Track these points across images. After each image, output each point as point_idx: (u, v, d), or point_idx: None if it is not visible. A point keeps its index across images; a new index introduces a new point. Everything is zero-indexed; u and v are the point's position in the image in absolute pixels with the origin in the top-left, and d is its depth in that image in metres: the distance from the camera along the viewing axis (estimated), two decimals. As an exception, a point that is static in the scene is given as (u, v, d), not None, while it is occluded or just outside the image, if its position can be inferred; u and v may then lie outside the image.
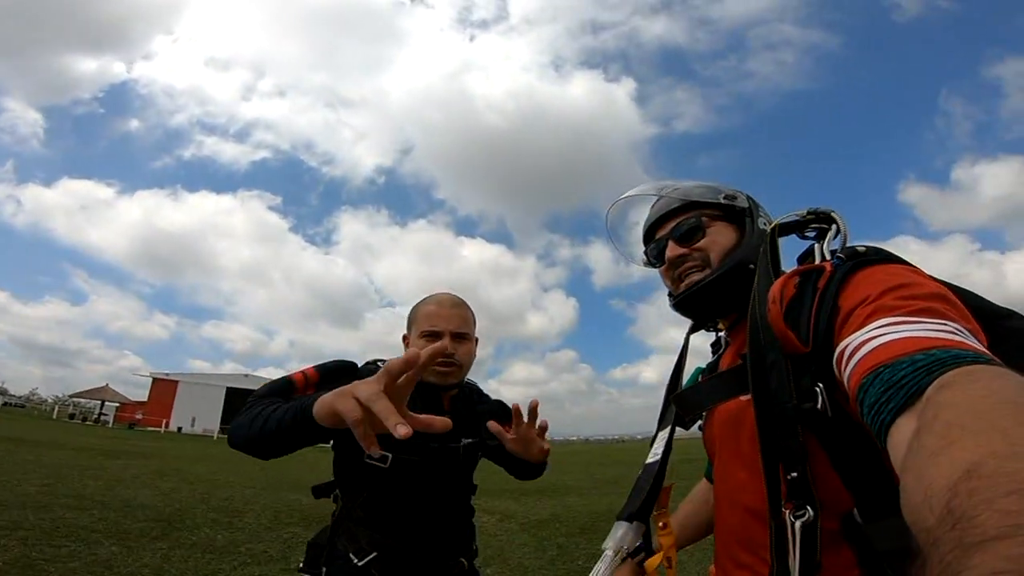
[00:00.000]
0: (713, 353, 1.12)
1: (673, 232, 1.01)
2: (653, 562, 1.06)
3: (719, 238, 0.98)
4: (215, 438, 38.51)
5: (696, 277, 0.97)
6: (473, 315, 1.58)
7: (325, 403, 0.92)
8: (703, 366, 1.12)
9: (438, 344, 0.89)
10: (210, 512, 6.58)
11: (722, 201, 1.00)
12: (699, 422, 1.07)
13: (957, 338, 0.54)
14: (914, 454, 0.39)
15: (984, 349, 0.53)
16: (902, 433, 0.48)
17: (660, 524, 1.08)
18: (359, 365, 1.48)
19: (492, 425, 1.29)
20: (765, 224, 1.00)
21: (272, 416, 1.12)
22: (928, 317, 0.56)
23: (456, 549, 1.52)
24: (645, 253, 1.11)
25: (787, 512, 0.69)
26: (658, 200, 1.08)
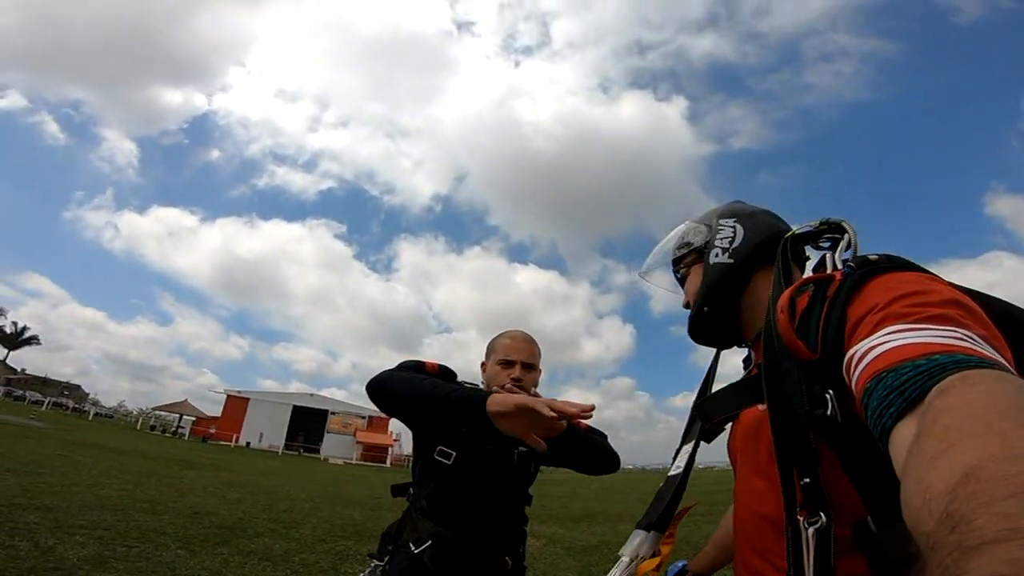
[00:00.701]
0: (744, 368, 1.13)
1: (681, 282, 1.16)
2: (647, 565, 1.08)
3: (691, 285, 1.08)
4: (280, 453, 40.08)
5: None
6: (540, 350, 1.87)
7: (507, 400, 1.25)
8: (735, 382, 1.14)
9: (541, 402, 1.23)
10: (270, 522, 6.85)
11: (676, 255, 1.14)
12: (726, 435, 1.07)
13: (964, 344, 0.53)
14: (913, 458, 0.39)
15: (993, 354, 0.52)
16: (903, 437, 0.48)
17: (666, 533, 1.09)
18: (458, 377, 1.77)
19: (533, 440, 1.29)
20: (720, 253, 1.03)
21: (434, 387, 1.40)
22: (937, 324, 0.56)
23: (504, 548, 1.66)
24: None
25: (801, 519, 0.69)
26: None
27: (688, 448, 1.10)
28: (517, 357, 1.78)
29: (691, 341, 1.14)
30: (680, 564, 1.30)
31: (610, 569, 1.01)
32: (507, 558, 1.68)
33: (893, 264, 0.72)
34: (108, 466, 10.95)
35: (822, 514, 0.67)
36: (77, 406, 57.02)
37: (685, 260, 1.11)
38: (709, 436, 1.09)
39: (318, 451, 49.74)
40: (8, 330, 68.99)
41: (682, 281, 1.13)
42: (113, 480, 8.72)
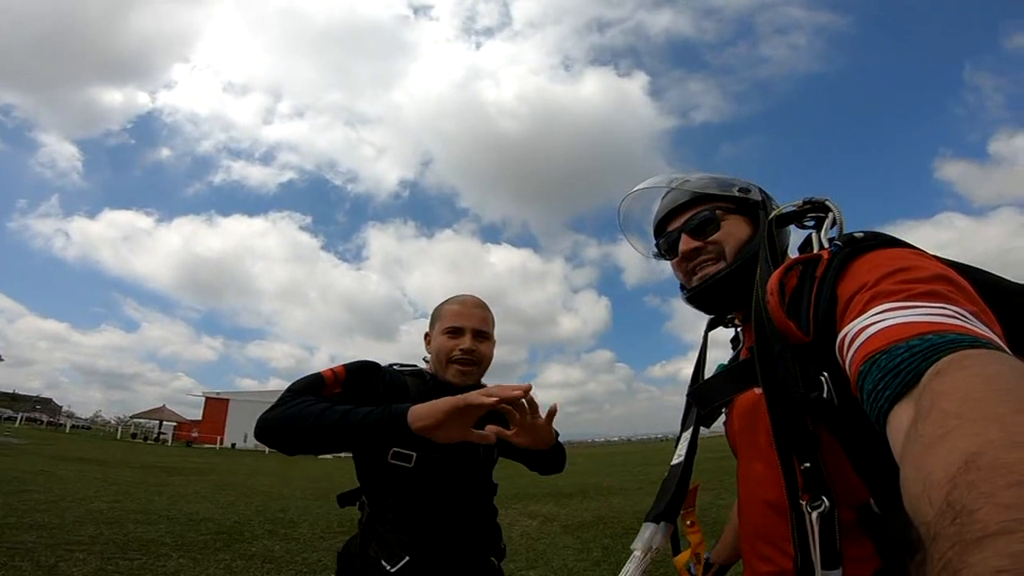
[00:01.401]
0: (733, 348, 1.12)
1: (686, 225, 1.00)
2: (681, 559, 1.10)
3: (733, 231, 0.97)
4: (267, 453, 39.69)
5: (710, 270, 0.97)
6: (493, 317, 1.63)
7: (433, 409, 1.11)
8: (725, 363, 1.10)
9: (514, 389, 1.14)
10: (267, 524, 6.86)
11: (735, 194, 0.99)
12: (723, 419, 1.05)
13: (956, 322, 0.52)
14: (911, 444, 0.39)
15: (985, 331, 0.52)
16: (899, 421, 0.47)
17: (688, 523, 1.10)
18: (382, 368, 1.54)
19: (491, 429, 1.22)
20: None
21: (335, 415, 1.19)
22: (928, 301, 0.55)
23: (486, 548, 1.54)
24: (656, 246, 1.10)
25: (804, 503, 0.69)
26: (668, 192, 1.07)
27: (688, 435, 1.07)
28: (467, 324, 1.53)
29: (663, 310, 1.10)
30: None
31: (624, 563, 0.97)
32: (492, 559, 1.54)
33: (879, 241, 0.70)
34: (94, 478, 10.78)
35: (824, 498, 0.67)
36: (52, 420, 55.56)
37: (727, 203, 1.00)
38: (708, 421, 1.07)
39: (305, 447, 49.44)
40: (-31, 347, 66.42)
41: (704, 224, 0.98)
42: (102, 493, 8.60)
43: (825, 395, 0.67)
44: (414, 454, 1.42)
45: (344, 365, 1.48)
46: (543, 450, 1.48)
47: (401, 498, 1.44)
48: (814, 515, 0.67)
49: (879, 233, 0.72)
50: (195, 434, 48.11)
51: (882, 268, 0.63)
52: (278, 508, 8.43)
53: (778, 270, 0.75)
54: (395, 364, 1.63)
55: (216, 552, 5.12)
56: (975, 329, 0.51)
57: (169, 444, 43.19)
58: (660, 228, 1.08)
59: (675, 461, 1.08)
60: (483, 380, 1.60)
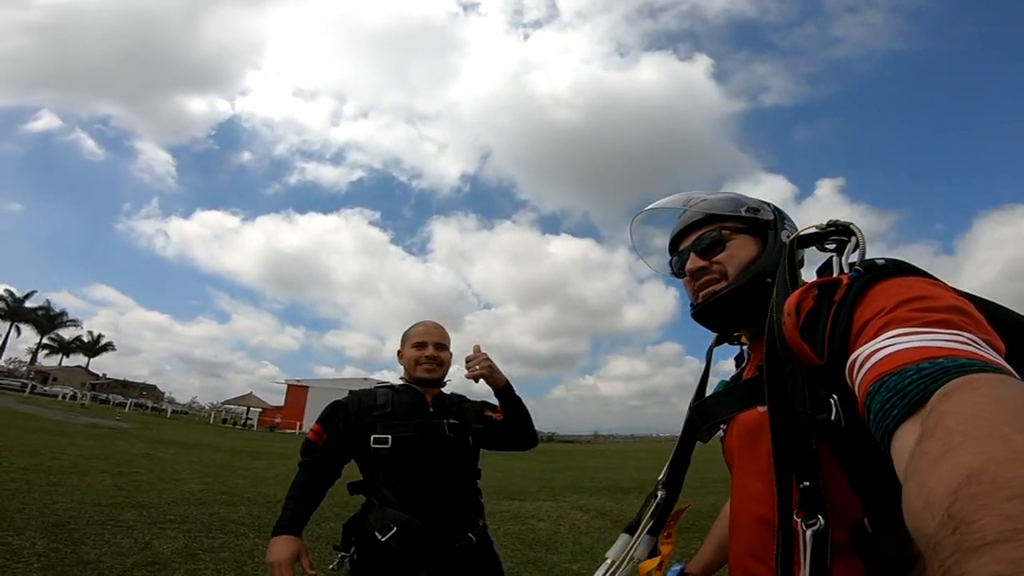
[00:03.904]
0: (736, 366, 1.13)
1: (695, 244, 1.03)
2: (647, 565, 1.12)
3: (738, 251, 0.99)
4: (342, 438, 41.65)
5: (714, 288, 0.99)
6: (448, 335, 2.20)
7: (274, 545, 1.85)
8: (727, 380, 1.13)
9: None
10: (336, 507, 7.19)
11: (743, 214, 1.02)
12: (720, 435, 1.06)
13: (967, 348, 0.54)
14: (916, 460, 0.40)
15: (996, 358, 0.53)
16: (905, 440, 0.48)
17: (665, 533, 1.13)
18: (340, 400, 2.07)
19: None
20: (788, 236, 0.99)
21: (286, 499, 1.94)
22: (941, 328, 0.57)
23: (464, 525, 1.87)
24: (670, 263, 1.13)
25: (799, 521, 0.69)
26: (683, 212, 1.10)
27: (679, 449, 1.11)
28: (429, 339, 2.10)
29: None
30: (677, 568, 1.26)
31: (683, 559, 1.03)
32: (470, 535, 1.85)
33: (899, 269, 0.72)
34: (188, 461, 11.78)
35: (820, 517, 0.67)
36: (155, 405, 60.25)
37: (736, 223, 1.02)
38: (706, 436, 1.07)
39: (376, 432, 51.25)
40: (86, 339, 74.07)
41: (712, 244, 1.01)
42: (194, 475, 9.37)
43: (833, 417, 0.68)
44: (390, 436, 1.89)
45: (317, 420, 2.05)
46: (507, 421, 2.05)
47: (389, 477, 1.85)
48: (808, 533, 0.67)
49: (900, 261, 0.73)
50: (278, 420, 51.11)
51: (899, 295, 0.65)
52: (343, 492, 8.89)
53: (796, 292, 0.76)
54: (377, 384, 2.19)
55: (287, 534, 5.55)
56: (986, 355, 0.53)
57: (255, 429, 46.30)
58: (673, 246, 1.11)
59: (662, 477, 1.12)
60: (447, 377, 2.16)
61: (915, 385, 0.50)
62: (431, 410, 2.03)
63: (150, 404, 59.59)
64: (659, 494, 1.12)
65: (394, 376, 2.17)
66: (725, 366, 1.17)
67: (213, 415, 58.63)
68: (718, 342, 1.15)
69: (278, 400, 58.10)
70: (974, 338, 0.56)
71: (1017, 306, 0.70)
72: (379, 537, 1.75)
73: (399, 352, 2.18)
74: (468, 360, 1.99)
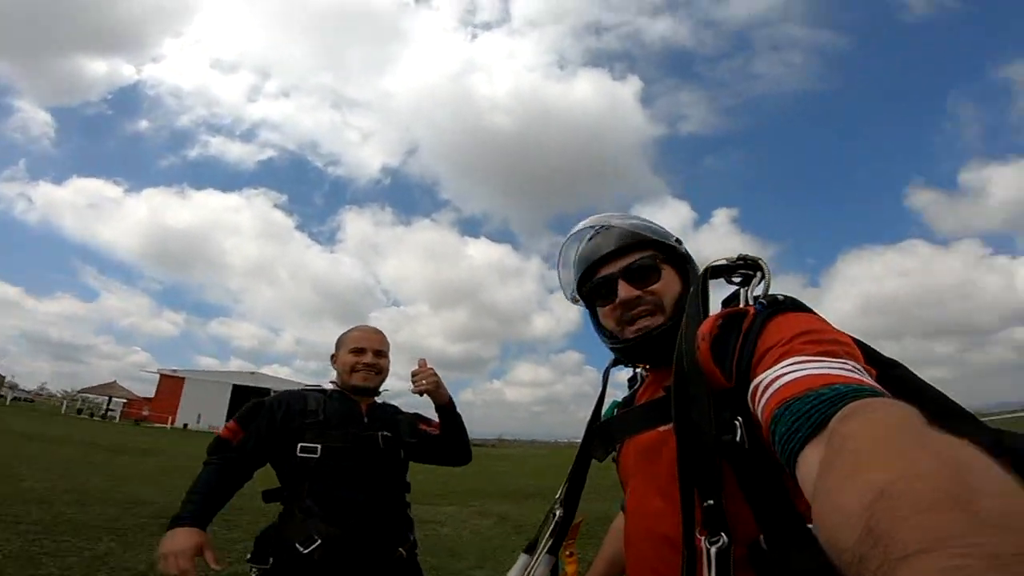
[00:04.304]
0: (629, 388, 1.13)
1: (626, 271, 0.97)
2: None
3: (671, 282, 0.97)
4: (220, 435, 38.75)
5: (648, 323, 0.95)
6: (389, 343, 2.06)
7: (172, 536, 1.57)
8: (619, 400, 1.14)
9: None
10: (249, 514, 6.64)
11: (673, 243, 1.01)
12: (612, 454, 1.07)
13: (855, 375, 0.61)
14: (825, 479, 0.42)
15: (876, 385, 0.60)
16: (810, 461, 0.52)
17: (567, 552, 1.14)
18: (265, 400, 1.91)
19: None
20: (697, 270, 1.01)
21: (188, 495, 1.72)
22: (832, 358, 0.64)
23: (394, 539, 1.78)
24: (583, 289, 1.06)
25: (702, 539, 0.72)
26: (597, 234, 1.03)
27: (576, 468, 1.11)
28: (368, 345, 1.96)
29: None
30: None
31: (585, 564, 1.04)
32: (401, 549, 1.77)
33: (795, 305, 0.80)
34: (29, 455, 10.35)
35: (723, 534, 0.70)
36: (-9, 390, 52.98)
37: (664, 254, 1.00)
38: (603, 455, 1.08)
39: (261, 432, 48.29)
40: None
41: (646, 272, 0.97)
42: (35, 470, 8.26)
43: (738, 438, 0.72)
44: (319, 446, 1.74)
45: (235, 417, 1.87)
46: (444, 437, 1.99)
47: (314, 488, 1.71)
48: (712, 550, 0.70)
49: (795, 299, 0.82)
50: (145, 412, 46.59)
51: (796, 328, 0.72)
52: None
53: (710, 319, 0.80)
54: (306, 387, 2.00)
55: (150, 536, 4.90)
56: (870, 382, 0.60)
57: (117, 421, 41.73)
58: (590, 272, 1.02)
59: (560, 495, 1.13)
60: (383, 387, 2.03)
61: (816, 409, 0.55)
62: (365, 420, 1.90)
63: (-16, 389, 51.85)
64: (557, 512, 1.12)
65: (286, 372, 2.03)
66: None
67: (66, 404, 52.34)
68: (615, 363, 1.12)
69: (148, 391, 53.10)
70: (857, 366, 0.63)
71: (867, 339, 0.80)
72: (301, 549, 1.62)
73: (333, 356, 2.03)
74: (414, 374, 1.92)
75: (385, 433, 1.87)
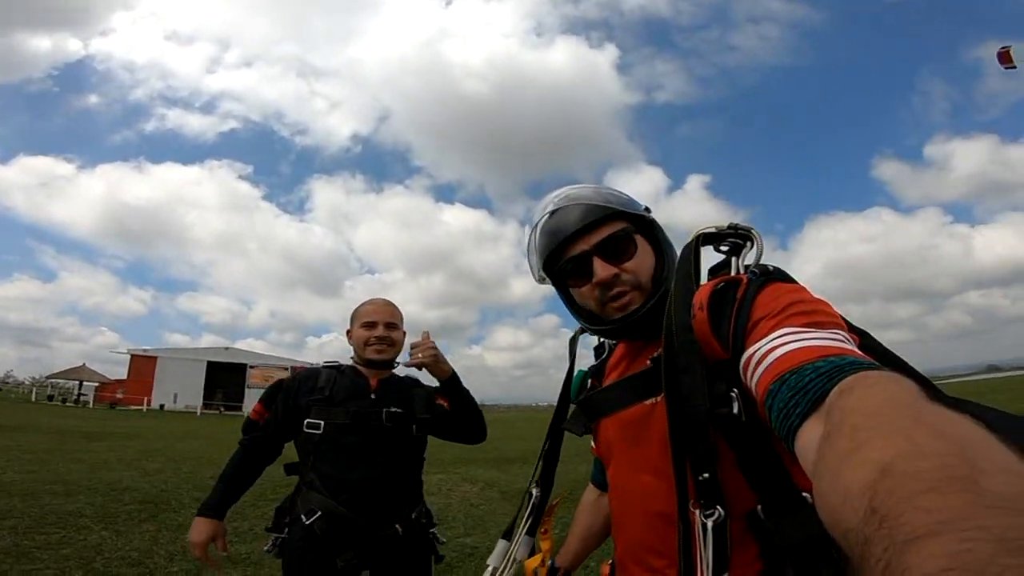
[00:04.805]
0: (596, 358, 1.11)
1: (601, 247, 0.92)
2: (531, 563, 1.14)
3: (645, 255, 0.94)
4: (199, 414, 38.45)
5: (629, 301, 0.92)
6: (401, 314, 2.08)
7: (194, 527, 1.82)
8: (585, 370, 1.11)
9: None
10: (196, 492, 6.66)
11: (643, 212, 0.96)
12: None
13: (848, 346, 0.61)
14: (826, 456, 0.42)
15: (869, 357, 0.59)
16: (810, 436, 0.51)
17: (542, 530, 1.16)
18: (284, 380, 2.02)
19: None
20: (670, 240, 1.00)
21: (219, 478, 1.92)
22: (823, 328, 0.64)
23: (392, 516, 1.83)
24: (552, 269, 0.99)
25: (696, 512, 0.72)
26: (557, 210, 0.96)
27: (553, 445, 1.14)
28: (379, 318, 2.00)
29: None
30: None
31: (566, 528, 1.05)
32: (397, 526, 1.82)
33: (783, 276, 0.79)
34: (4, 446, 10.09)
35: (719, 507, 0.70)
36: (-47, 379, 51.04)
37: (636, 225, 0.96)
38: (582, 431, 1.05)
39: (240, 408, 47.91)
40: None
41: (623, 247, 0.93)
42: (13, 461, 8.10)
43: (736, 411, 0.71)
44: (323, 422, 1.83)
45: (260, 399, 2.05)
46: (454, 413, 2.00)
47: (317, 462, 1.82)
48: (709, 523, 0.70)
49: (782, 270, 0.81)
50: (119, 395, 45.55)
51: (785, 298, 0.71)
52: (209, 475, 8.16)
53: (707, 286, 0.77)
54: (325, 363, 2.05)
55: (141, 523, 4.97)
56: (861, 353, 0.59)
57: (91, 406, 40.87)
58: (559, 250, 0.95)
59: (535, 475, 1.15)
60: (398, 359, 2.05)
61: (813, 383, 0.54)
62: (373, 396, 1.94)
63: (-54, 379, 49.92)
64: (534, 492, 1.14)
65: (261, 345, 2.13)
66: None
67: (35, 391, 50.89)
68: (582, 332, 1.10)
69: (119, 372, 51.71)
70: (846, 336, 0.63)
71: (834, 301, 0.78)
72: (304, 520, 1.75)
73: (348, 332, 2.08)
74: (413, 347, 1.93)
75: (393, 409, 1.90)
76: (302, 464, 1.89)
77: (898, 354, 0.77)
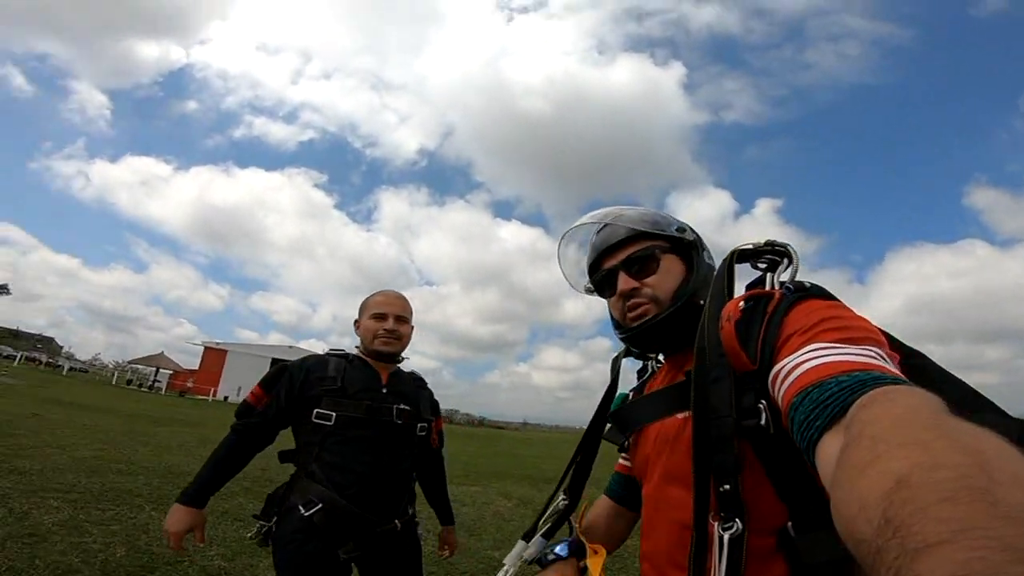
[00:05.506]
0: (638, 379, 1.15)
1: (625, 263, 1.00)
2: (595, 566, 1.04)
3: (669, 273, 0.99)
4: (259, 408, 39.99)
5: (645, 312, 0.97)
6: (411, 308, 2.05)
7: (171, 514, 1.75)
8: (626, 392, 1.15)
9: None
10: (244, 481, 6.89)
11: (674, 233, 1.01)
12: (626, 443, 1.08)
13: (877, 362, 0.60)
14: (843, 468, 0.42)
15: (899, 373, 0.59)
16: (829, 449, 0.52)
17: (592, 551, 1.08)
18: (289, 365, 1.92)
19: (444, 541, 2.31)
20: (710, 259, 1.03)
21: (205, 463, 1.82)
22: (854, 344, 0.63)
23: (393, 512, 1.82)
24: (591, 281, 1.09)
25: (715, 524, 0.71)
26: (604, 227, 1.06)
27: (582, 460, 1.15)
28: (389, 311, 1.96)
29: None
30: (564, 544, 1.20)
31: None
32: (396, 521, 1.83)
33: (821, 292, 0.79)
34: (82, 424, 10.93)
35: (738, 520, 0.70)
36: (51, 360, 55.99)
37: (666, 243, 1.01)
38: (620, 442, 1.08)
39: (297, 405, 49.53)
40: (-27, 280, 66.88)
41: (645, 264, 1.00)
42: (87, 440, 8.72)
43: (764, 422, 0.71)
44: (334, 414, 1.77)
45: (260, 382, 1.90)
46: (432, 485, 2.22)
47: (323, 454, 1.76)
48: (726, 536, 0.69)
49: (820, 286, 0.80)
50: (189, 384, 48.48)
51: (819, 314, 0.71)
52: (259, 466, 8.45)
53: (736, 299, 0.80)
54: (331, 350, 2.00)
55: (188, 508, 5.20)
56: (892, 369, 0.59)
57: (163, 393, 43.67)
58: (596, 264, 1.06)
59: (565, 483, 1.17)
60: (404, 354, 2.03)
61: (836, 397, 0.54)
62: (384, 390, 1.91)
63: (44, 359, 55.13)
64: (560, 500, 1.17)
65: (322, 347, 2.11)
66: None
67: (116, 375, 54.97)
68: (626, 354, 1.14)
69: (192, 363, 55.07)
70: (880, 353, 0.62)
71: (914, 339, 0.76)
72: (302, 511, 1.69)
73: (356, 322, 2.04)
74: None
75: (402, 406, 1.88)
76: (303, 454, 1.82)
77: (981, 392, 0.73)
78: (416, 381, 2.09)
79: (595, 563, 1.07)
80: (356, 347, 2.03)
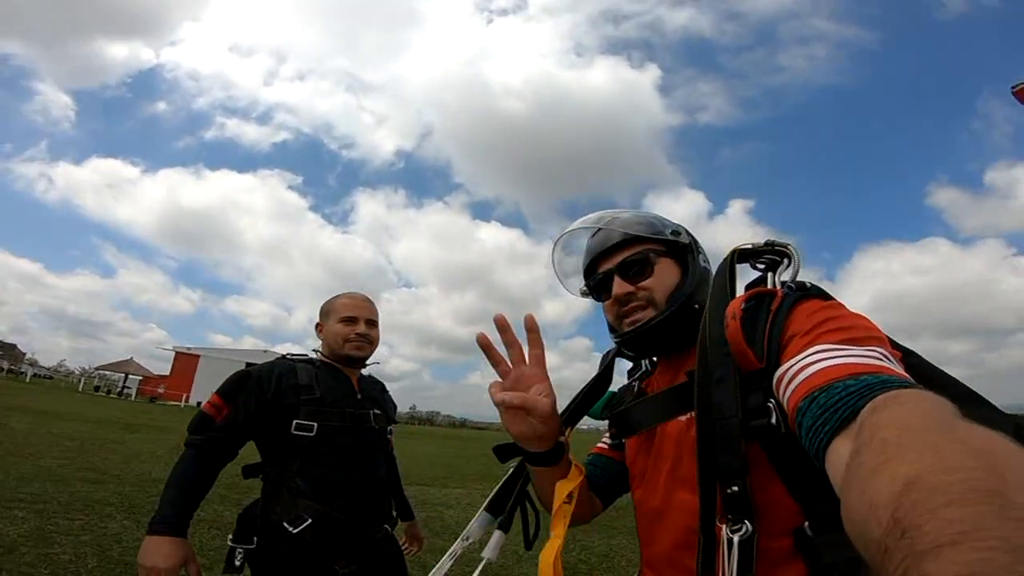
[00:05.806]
0: (628, 377, 1.13)
1: (620, 268, 0.99)
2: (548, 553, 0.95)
3: (664, 276, 0.98)
4: (233, 413, 39.19)
5: (641, 316, 0.97)
6: (378, 311, 1.98)
7: (156, 549, 1.48)
8: (615, 391, 1.13)
9: None
10: (220, 488, 6.68)
11: (668, 237, 1.01)
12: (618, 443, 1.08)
13: (883, 363, 0.59)
14: (853, 471, 0.42)
15: (905, 374, 0.59)
16: (839, 454, 0.51)
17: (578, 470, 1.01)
18: (252, 372, 1.77)
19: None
20: (705, 261, 1.02)
21: (167, 488, 1.59)
22: (856, 345, 0.62)
23: (381, 516, 1.79)
24: (588, 285, 1.08)
25: (723, 527, 0.70)
26: (599, 231, 1.05)
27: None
28: (360, 314, 1.89)
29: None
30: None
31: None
32: (386, 526, 1.81)
33: (821, 293, 0.79)
34: (47, 433, 10.58)
35: (747, 522, 0.68)
36: (13, 367, 54.27)
37: (661, 246, 1.01)
38: (617, 441, 1.08)
39: (273, 410, 48.73)
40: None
41: (639, 267, 0.99)
42: (53, 448, 8.46)
43: (774, 421, 0.70)
44: (316, 424, 1.68)
45: (218, 392, 1.73)
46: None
47: (305, 466, 1.65)
48: (735, 539, 0.68)
49: (819, 287, 0.80)
50: (160, 390, 47.27)
51: (821, 314, 0.71)
52: (234, 472, 8.20)
53: (740, 297, 0.79)
54: (288, 355, 1.90)
55: (162, 516, 5.07)
56: (898, 371, 0.58)
57: (133, 399, 42.49)
58: (591, 268, 1.06)
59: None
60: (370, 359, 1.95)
61: (843, 401, 0.54)
62: (359, 396, 1.87)
63: (6, 366, 53.17)
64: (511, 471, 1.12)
65: (298, 351, 1.99)
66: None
67: (83, 381, 53.25)
68: (620, 354, 1.13)
69: (163, 368, 53.91)
70: (885, 353, 0.61)
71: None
72: (289, 529, 1.58)
73: (318, 325, 1.95)
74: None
75: (376, 411, 1.87)
76: (279, 468, 1.67)
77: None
78: (378, 384, 2.07)
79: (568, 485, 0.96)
80: (315, 351, 1.94)
